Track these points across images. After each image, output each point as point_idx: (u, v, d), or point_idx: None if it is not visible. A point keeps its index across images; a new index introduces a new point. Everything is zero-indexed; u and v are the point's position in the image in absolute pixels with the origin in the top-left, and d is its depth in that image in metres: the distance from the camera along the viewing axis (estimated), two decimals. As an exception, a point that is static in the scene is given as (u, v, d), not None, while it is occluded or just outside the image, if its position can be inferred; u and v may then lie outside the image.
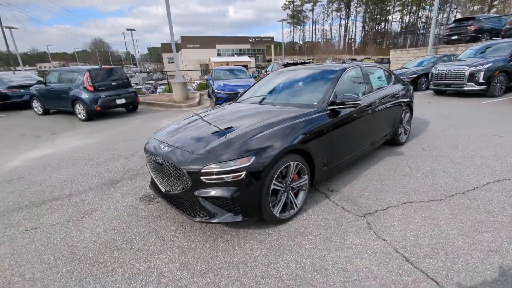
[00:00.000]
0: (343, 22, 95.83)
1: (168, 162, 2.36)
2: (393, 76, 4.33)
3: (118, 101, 8.52)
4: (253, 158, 2.15)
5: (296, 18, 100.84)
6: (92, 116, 8.21)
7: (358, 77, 3.55)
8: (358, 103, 2.83)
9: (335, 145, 2.91)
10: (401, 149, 4.22)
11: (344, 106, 2.85)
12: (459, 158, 3.73)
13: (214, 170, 2.11)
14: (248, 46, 62.42)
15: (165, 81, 23.14)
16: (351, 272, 1.88)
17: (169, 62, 65.18)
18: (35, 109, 9.53)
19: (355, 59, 61.16)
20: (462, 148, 4.11)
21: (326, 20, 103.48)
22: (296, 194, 2.64)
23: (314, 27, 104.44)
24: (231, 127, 2.59)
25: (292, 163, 2.40)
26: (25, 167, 4.43)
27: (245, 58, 50.67)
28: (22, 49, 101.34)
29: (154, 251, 2.25)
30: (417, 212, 2.54)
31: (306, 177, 2.61)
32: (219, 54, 57.94)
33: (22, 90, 10.33)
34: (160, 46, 69.40)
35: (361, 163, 3.75)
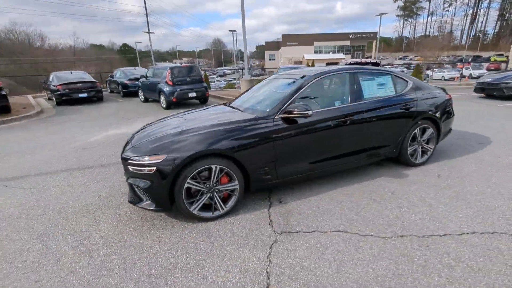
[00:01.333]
0: (470, 11, 76.76)
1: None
2: (410, 83, 3.44)
3: (190, 94, 9.74)
4: (165, 156, 2.30)
5: (409, 10, 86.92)
6: (170, 105, 9.69)
7: (340, 84, 3.06)
8: (306, 114, 2.52)
9: (287, 155, 2.69)
10: (408, 171, 3.40)
11: (294, 115, 2.59)
12: (472, 195, 2.76)
13: (135, 162, 2.39)
14: (347, 42, 58.34)
15: (259, 77, 24.48)
16: (207, 281, 1.83)
17: (269, 59, 67.89)
18: (140, 97, 11.93)
19: (479, 57, 48.42)
20: (495, 183, 2.99)
21: (447, 10, 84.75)
22: (227, 197, 2.62)
23: (430, 19, 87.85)
24: (171, 127, 2.76)
25: (213, 166, 2.41)
26: (99, 141, 5.79)
27: (339, 56, 47.77)
28: (166, 48, 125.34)
29: (103, 219, 2.72)
30: (338, 243, 2.13)
31: (236, 182, 2.55)
32: (316, 52, 56.46)
33: (136, 82, 13.03)
34: (264, 44, 72.83)
35: (340, 178, 3.27)
